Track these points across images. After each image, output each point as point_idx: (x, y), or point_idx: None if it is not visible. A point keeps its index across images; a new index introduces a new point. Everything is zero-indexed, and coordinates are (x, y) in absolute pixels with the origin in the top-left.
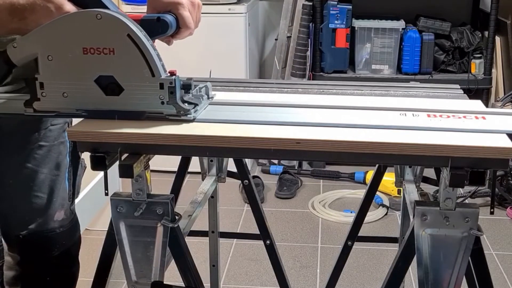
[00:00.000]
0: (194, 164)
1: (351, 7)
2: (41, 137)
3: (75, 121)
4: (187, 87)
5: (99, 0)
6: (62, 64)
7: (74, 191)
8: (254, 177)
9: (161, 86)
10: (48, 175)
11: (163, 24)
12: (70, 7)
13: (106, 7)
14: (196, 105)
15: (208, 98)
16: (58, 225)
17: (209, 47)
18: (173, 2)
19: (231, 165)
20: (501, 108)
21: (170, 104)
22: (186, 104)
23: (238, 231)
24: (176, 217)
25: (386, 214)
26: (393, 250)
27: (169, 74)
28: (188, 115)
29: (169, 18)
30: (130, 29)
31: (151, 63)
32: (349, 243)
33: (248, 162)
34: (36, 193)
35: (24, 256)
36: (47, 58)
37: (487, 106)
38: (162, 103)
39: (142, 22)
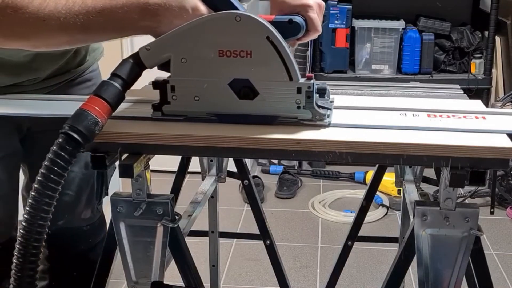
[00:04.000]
0: (194, 164)
1: (351, 7)
2: None
3: None
4: (322, 91)
5: (229, 1)
6: (196, 67)
7: (102, 191)
8: (254, 177)
9: (299, 90)
10: (78, 174)
11: (294, 27)
12: (204, 8)
13: (236, 8)
14: (329, 109)
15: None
16: (85, 223)
17: None
18: (302, 4)
19: (231, 165)
20: (501, 108)
21: (307, 108)
22: (321, 109)
23: (238, 231)
24: (176, 217)
25: (386, 214)
26: (393, 250)
27: (306, 78)
28: (324, 120)
29: (300, 20)
30: (270, 31)
31: (290, 67)
32: (349, 243)
33: (248, 162)
34: (66, 191)
35: (52, 251)
36: (181, 60)
37: (487, 106)
38: (298, 107)
39: (273, 24)
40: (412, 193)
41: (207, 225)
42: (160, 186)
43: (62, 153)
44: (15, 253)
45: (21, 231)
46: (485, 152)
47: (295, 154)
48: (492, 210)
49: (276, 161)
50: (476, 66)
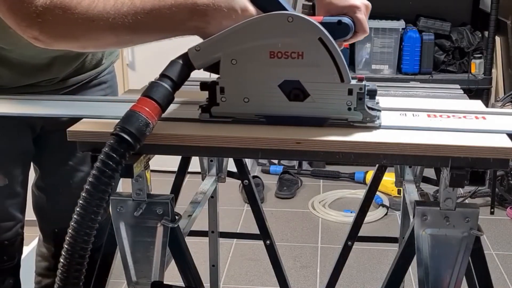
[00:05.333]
0: (194, 164)
1: None
2: None
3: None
4: (372, 93)
5: (278, 2)
6: (246, 68)
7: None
8: (254, 177)
9: (350, 92)
10: (87, 174)
11: (344, 28)
12: (253, 9)
13: (285, 9)
14: (379, 111)
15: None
16: None
17: None
18: (350, 6)
19: (231, 165)
20: (501, 108)
21: (358, 110)
22: (371, 110)
23: (238, 231)
24: (176, 217)
25: (386, 214)
26: (393, 250)
27: (357, 80)
28: (375, 122)
29: (349, 21)
30: (323, 32)
31: (342, 68)
32: (349, 243)
33: (248, 162)
34: (75, 190)
35: (58, 249)
36: (231, 61)
37: (487, 106)
38: (349, 109)
39: (323, 25)
40: (412, 193)
41: (207, 225)
42: (160, 186)
43: (114, 155)
44: (63, 253)
45: (70, 231)
46: (485, 152)
47: (295, 154)
48: (492, 210)
49: (276, 161)
50: (476, 66)
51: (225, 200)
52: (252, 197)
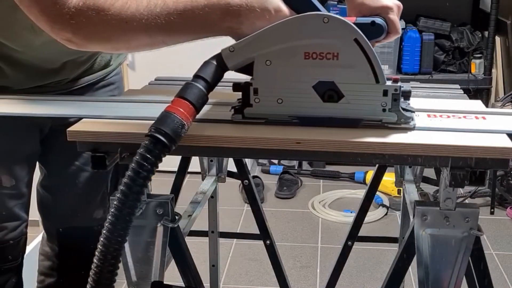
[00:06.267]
0: (194, 164)
1: None
2: None
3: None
4: (407, 94)
5: (311, 2)
6: (281, 69)
7: (115, 191)
8: (254, 177)
9: (385, 93)
10: (92, 173)
11: (377, 29)
12: (286, 10)
13: (318, 10)
14: (413, 112)
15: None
16: (97, 222)
17: (210, 47)
18: (383, 6)
19: (231, 165)
20: (501, 108)
21: (392, 111)
22: (406, 112)
23: (238, 231)
24: (176, 217)
25: (386, 214)
26: (393, 250)
27: (392, 81)
28: (409, 123)
29: (383, 22)
30: (358, 33)
31: (377, 69)
32: (349, 243)
33: (248, 162)
34: (80, 191)
35: (62, 249)
36: (265, 62)
37: (487, 106)
38: (384, 110)
39: (356, 26)
40: (412, 193)
41: (207, 225)
42: (160, 186)
43: (149, 156)
44: (96, 253)
45: (104, 232)
46: (485, 152)
47: (295, 154)
48: (492, 210)
49: (276, 161)
50: (476, 66)
51: (225, 200)
52: (252, 197)
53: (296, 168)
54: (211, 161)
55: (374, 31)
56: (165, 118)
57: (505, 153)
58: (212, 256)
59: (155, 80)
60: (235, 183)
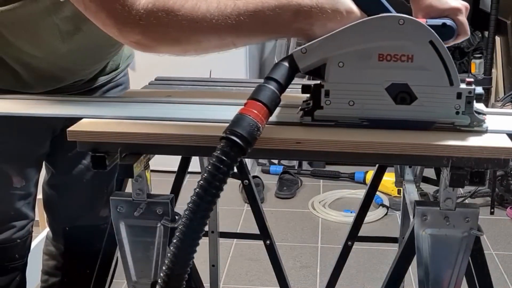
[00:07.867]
0: (194, 164)
1: None
2: None
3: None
4: (479, 96)
5: (383, 4)
6: (354, 71)
7: (121, 190)
8: (254, 177)
9: (459, 95)
10: (98, 172)
11: (448, 30)
12: (357, 11)
13: (389, 11)
14: (484, 114)
15: None
16: (103, 221)
17: None
18: (452, 8)
19: None
20: (501, 108)
21: (466, 114)
22: (478, 114)
23: (238, 231)
24: (176, 217)
25: (386, 214)
26: (393, 250)
27: (466, 83)
28: (482, 126)
29: (453, 24)
30: (434, 35)
31: (451, 72)
32: (349, 243)
33: (248, 162)
34: (86, 189)
35: (67, 248)
36: (338, 64)
37: (487, 106)
38: (457, 113)
39: None
40: (412, 193)
41: (207, 225)
42: (160, 186)
43: (225, 159)
44: (168, 254)
45: (177, 234)
46: (485, 152)
47: (295, 154)
48: (492, 210)
49: (276, 161)
50: (476, 66)
51: (225, 200)
52: (252, 197)
53: (296, 168)
54: None
55: (444, 33)
56: (240, 120)
57: (505, 153)
58: (212, 256)
59: (155, 80)
60: (235, 183)
